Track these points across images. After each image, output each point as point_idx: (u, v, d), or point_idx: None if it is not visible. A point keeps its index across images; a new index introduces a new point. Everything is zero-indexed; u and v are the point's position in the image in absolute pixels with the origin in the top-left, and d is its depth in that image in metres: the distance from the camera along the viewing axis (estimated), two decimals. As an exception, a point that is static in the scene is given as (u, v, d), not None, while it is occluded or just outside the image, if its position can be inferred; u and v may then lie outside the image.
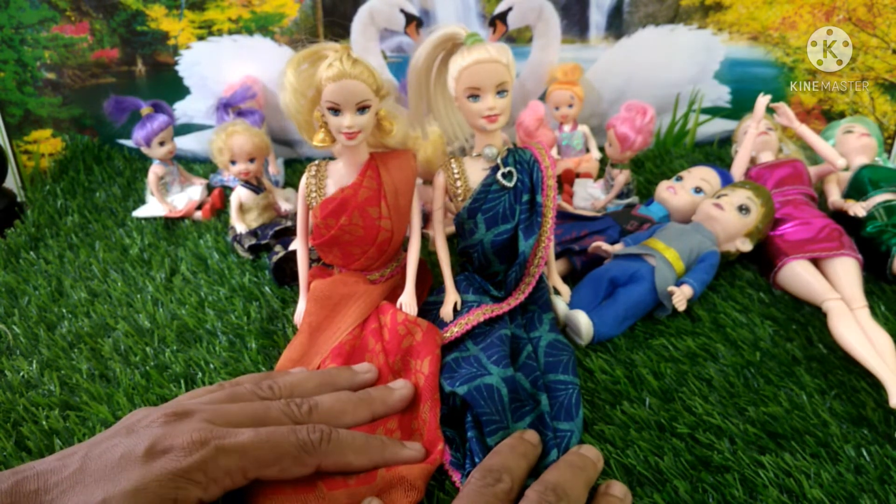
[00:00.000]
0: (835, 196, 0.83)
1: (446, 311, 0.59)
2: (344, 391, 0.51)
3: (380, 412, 0.51)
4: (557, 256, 0.72)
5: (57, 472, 0.37)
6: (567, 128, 0.99)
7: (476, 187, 0.59)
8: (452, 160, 0.60)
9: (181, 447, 0.39)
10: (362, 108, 0.55)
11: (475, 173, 0.60)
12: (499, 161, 0.58)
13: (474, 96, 0.55)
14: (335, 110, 0.55)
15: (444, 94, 0.58)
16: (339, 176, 0.60)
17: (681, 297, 0.63)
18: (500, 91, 0.55)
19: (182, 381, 0.57)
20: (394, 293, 0.62)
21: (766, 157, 0.86)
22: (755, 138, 0.85)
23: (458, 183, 0.60)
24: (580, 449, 0.47)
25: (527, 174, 0.59)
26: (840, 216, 0.78)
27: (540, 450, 0.48)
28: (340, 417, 0.48)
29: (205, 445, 0.39)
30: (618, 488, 0.44)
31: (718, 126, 1.09)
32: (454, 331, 0.58)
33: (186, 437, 0.39)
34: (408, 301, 0.60)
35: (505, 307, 0.60)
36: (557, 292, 0.66)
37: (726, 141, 1.09)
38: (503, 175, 0.58)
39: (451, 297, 0.60)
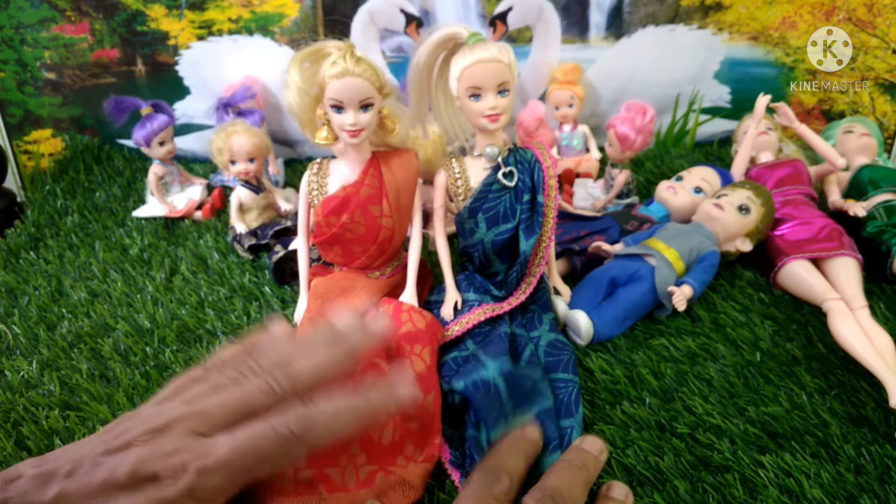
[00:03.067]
0: (835, 196, 0.83)
1: (447, 311, 0.59)
2: (322, 347, 0.48)
3: (361, 353, 0.47)
4: (557, 256, 0.72)
5: (38, 493, 0.36)
6: (567, 128, 0.99)
7: (477, 187, 0.59)
8: (453, 160, 0.60)
9: (165, 475, 0.37)
10: (365, 106, 0.55)
11: (476, 173, 0.60)
12: (500, 160, 0.58)
13: (476, 95, 0.55)
14: (338, 108, 0.55)
15: (446, 94, 0.58)
16: (341, 174, 0.60)
17: (681, 297, 0.63)
18: (502, 90, 0.55)
19: (182, 381, 0.57)
20: (394, 292, 0.62)
21: (766, 157, 0.86)
22: (755, 138, 0.85)
23: (459, 182, 0.60)
24: (582, 443, 0.45)
25: (528, 174, 0.59)
26: (840, 216, 0.78)
27: (540, 445, 0.47)
28: (324, 375, 0.44)
29: (186, 471, 0.38)
30: (618, 490, 0.43)
31: (718, 126, 1.09)
32: (455, 329, 0.58)
33: (169, 463, 0.38)
34: (409, 300, 0.60)
35: (506, 307, 0.60)
36: (557, 292, 0.66)
37: (726, 141, 1.09)
38: (504, 174, 0.58)
39: (452, 296, 0.60)
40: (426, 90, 0.59)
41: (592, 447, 0.44)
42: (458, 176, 0.60)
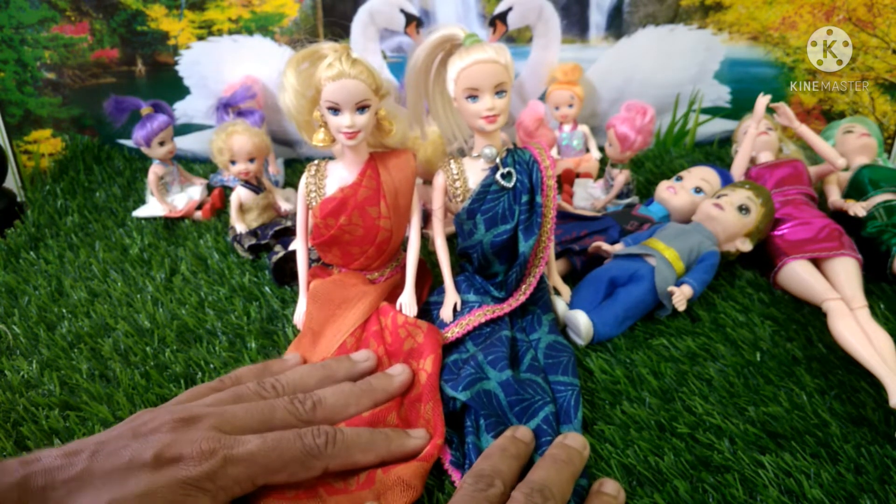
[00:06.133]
0: (835, 196, 0.83)
1: (446, 313, 0.59)
2: (345, 383, 0.52)
3: (381, 400, 0.51)
4: (557, 256, 0.71)
5: (64, 470, 0.38)
6: (567, 128, 0.99)
7: (475, 188, 0.59)
8: (452, 161, 0.60)
9: (190, 457, 0.39)
10: (362, 108, 0.55)
11: (474, 174, 0.60)
12: (498, 161, 0.58)
13: (473, 97, 0.55)
14: (335, 110, 0.55)
15: (443, 95, 0.58)
16: (338, 176, 0.60)
17: (681, 297, 0.63)
18: (499, 91, 0.55)
19: (182, 381, 0.57)
20: (394, 293, 0.62)
21: (766, 157, 0.86)
22: (755, 138, 0.85)
23: (458, 184, 0.59)
24: (565, 439, 0.47)
25: (526, 174, 0.59)
26: (840, 216, 0.78)
27: (533, 446, 0.48)
28: (344, 410, 0.49)
29: (213, 455, 0.40)
30: (611, 486, 0.45)
31: (718, 126, 1.09)
32: (455, 331, 0.58)
33: (196, 447, 0.40)
34: (407, 301, 0.60)
35: (506, 308, 0.60)
36: (557, 292, 0.66)
37: (726, 141, 1.09)
38: (502, 175, 0.58)
39: (451, 297, 0.60)
40: (424, 92, 0.59)
41: (575, 443, 0.46)
42: (456, 177, 0.60)
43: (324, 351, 0.58)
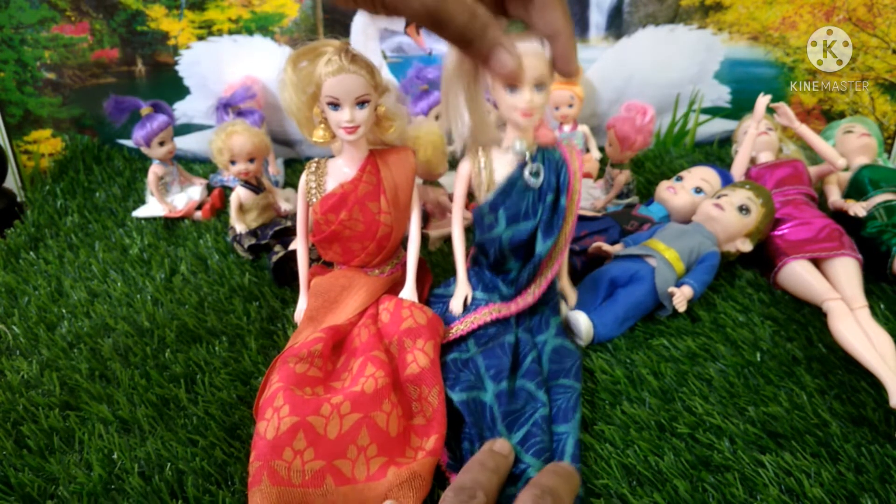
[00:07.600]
0: (835, 196, 0.83)
1: (456, 304, 0.59)
2: None
3: None
4: (557, 256, 0.71)
5: None
6: (567, 128, 0.99)
7: (501, 181, 0.57)
8: (480, 150, 0.58)
9: None
10: (361, 103, 0.55)
11: (502, 166, 0.58)
12: (528, 158, 0.57)
13: (513, 87, 0.53)
14: (335, 105, 0.55)
15: (477, 91, 0.53)
16: (338, 172, 0.60)
17: (681, 297, 0.63)
18: (539, 86, 0.53)
19: (182, 381, 0.57)
20: (394, 290, 0.62)
21: (766, 157, 0.86)
22: (755, 138, 0.85)
23: (483, 174, 0.58)
24: (556, 468, 0.45)
25: (554, 174, 0.57)
26: (840, 216, 0.78)
27: (512, 458, 0.47)
28: None
29: None
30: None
31: (718, 126, 1.09)
32: (459, 328, 0.58)
33: None
34: (408, 297, 0.60)
35: (513, 308, 0.59)
36: (563, 297, 0.65)
37: (726, 141, 1.09)
38: (531, 173, 0.57)
39: (463, 289, 0.59)
40: (463, 87, 0.52)
41: (571, 471, 0.44)
42: (482, 168, 0.58)
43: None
